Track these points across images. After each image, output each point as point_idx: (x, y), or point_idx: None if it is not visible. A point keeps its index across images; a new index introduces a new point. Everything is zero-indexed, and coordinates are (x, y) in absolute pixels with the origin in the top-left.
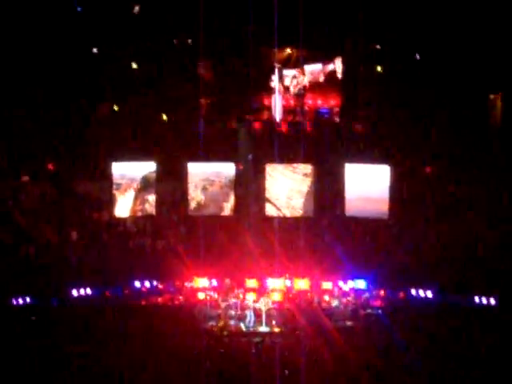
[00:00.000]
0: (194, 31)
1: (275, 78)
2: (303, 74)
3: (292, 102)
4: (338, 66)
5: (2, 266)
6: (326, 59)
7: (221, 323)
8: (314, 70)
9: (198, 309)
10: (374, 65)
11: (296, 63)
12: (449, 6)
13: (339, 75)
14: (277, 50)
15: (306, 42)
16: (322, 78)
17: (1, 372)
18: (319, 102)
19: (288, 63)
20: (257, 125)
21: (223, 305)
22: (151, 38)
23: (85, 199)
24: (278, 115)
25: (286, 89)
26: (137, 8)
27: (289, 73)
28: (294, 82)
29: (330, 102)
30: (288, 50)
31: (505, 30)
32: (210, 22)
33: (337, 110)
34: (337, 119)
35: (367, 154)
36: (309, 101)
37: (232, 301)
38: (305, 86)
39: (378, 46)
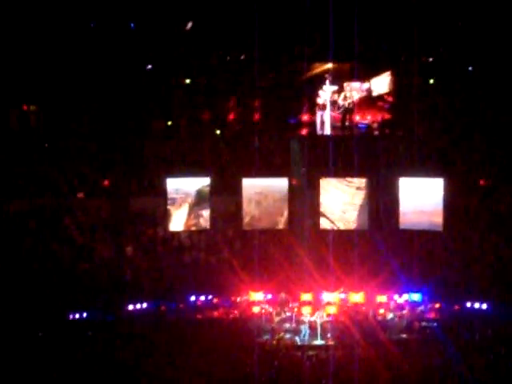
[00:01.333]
0: (247, 46)
1: (326, 92)
2: (351, 88)
3: (339, 117)
4: (384, 81)
5: (60, 282)
6: (377, 73)
7: (276, 337)
8: (358, 86)
9: (253, 322)
10: (426, 78)
11: (345, 78)
12: (499, 19)
13: (383, 91)
14: (328, 64)
15: (359, 56)
16: (365, 94)
17: None
18: (361, 116)
19: (337, 78)
20: (309, 139)
21: (277, 319)
22: (205, 54)
23: (140, 214)
24: (328, 129)
25: (334, 103)
26: (190, 24)
27: (336, 88)
28: (342, 96)
29: (370, 117)
30: (335, 65)
31: None
32: (263, 36)
33: (375, 124)
34: (376, 133)
35: (421, 167)
36: (356, 116)
37: (287, 314)
38: (353, 101)
39: (431, 59)
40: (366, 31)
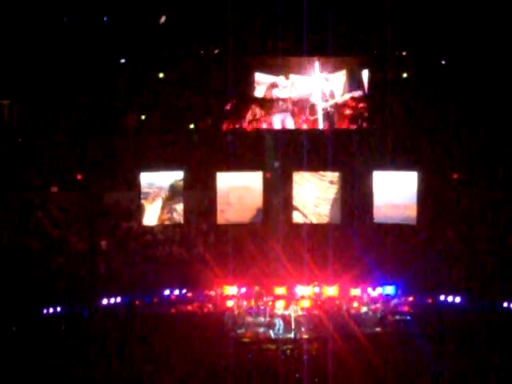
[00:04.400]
0: (221, 41)
1: (317, 85)
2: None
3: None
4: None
5: (33, 276)
6: (350, 67)
7: (250, 331)
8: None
9: (227, 316)
10: (400, 71)
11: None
12: (474, 10)
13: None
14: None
15: (333, 50)
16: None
17: (30, 381)
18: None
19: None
20: (283, 133)
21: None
22: (178, 48)
23: (113, 209)
24: (321, 122)
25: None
26: (163, 18)
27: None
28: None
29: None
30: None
31: None
32: (237, 31)
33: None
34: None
35: (395, 160)
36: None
37: (261, 308)
38: (336, 103)
39: (405, 53)
40: (339, 24)
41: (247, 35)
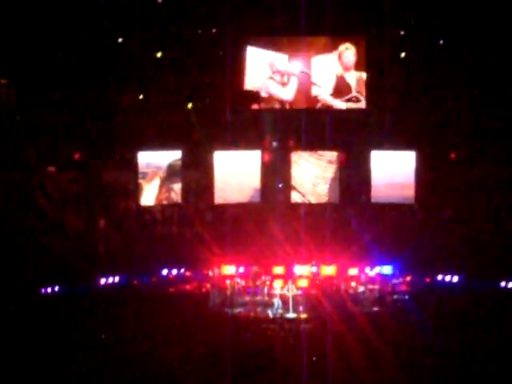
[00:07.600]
0: (220, 19)
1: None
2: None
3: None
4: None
5: (31, 256)
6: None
7: (248, 310)
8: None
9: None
10: (398, 51)
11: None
12: None
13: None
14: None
15: (330, 27)
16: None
17: (29, 360)
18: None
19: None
20: (282, 112)
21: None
22: (176, 27)
23: (111, 188)
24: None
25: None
26: None
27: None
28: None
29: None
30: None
31: None
32: (234, 9)
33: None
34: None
35: (392, 140)
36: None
37: (259, 287)
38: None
39: (403, 32)
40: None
41: (244, 13)
